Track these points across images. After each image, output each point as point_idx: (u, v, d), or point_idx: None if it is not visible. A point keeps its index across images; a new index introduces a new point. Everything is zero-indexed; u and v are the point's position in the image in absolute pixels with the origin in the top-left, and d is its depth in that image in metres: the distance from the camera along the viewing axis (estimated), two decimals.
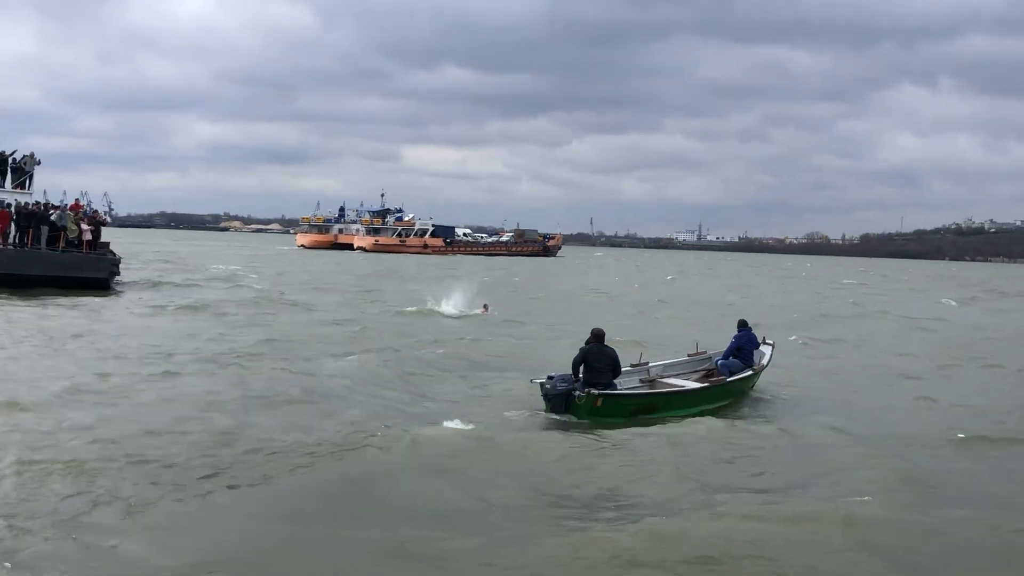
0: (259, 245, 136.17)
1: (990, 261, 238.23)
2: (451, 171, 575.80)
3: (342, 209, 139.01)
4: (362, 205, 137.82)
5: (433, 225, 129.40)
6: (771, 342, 17.63)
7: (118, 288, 34.73)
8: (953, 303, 49.36)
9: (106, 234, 38.09)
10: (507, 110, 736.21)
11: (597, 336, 14.16)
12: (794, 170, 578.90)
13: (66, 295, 29.23)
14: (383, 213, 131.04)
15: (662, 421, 13.42)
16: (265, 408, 13.46)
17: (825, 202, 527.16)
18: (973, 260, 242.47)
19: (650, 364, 15.84)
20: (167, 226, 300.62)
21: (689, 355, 16.99)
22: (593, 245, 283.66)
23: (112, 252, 36.22)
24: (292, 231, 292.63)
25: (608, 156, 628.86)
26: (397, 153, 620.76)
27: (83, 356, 17.67)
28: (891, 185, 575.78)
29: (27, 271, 30.95)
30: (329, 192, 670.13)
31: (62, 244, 32.58)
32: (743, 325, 16.69)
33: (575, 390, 13.52)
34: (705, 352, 17.03)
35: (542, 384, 13.90)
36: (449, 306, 31.75)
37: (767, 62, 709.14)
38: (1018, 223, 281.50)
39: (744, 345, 16.34)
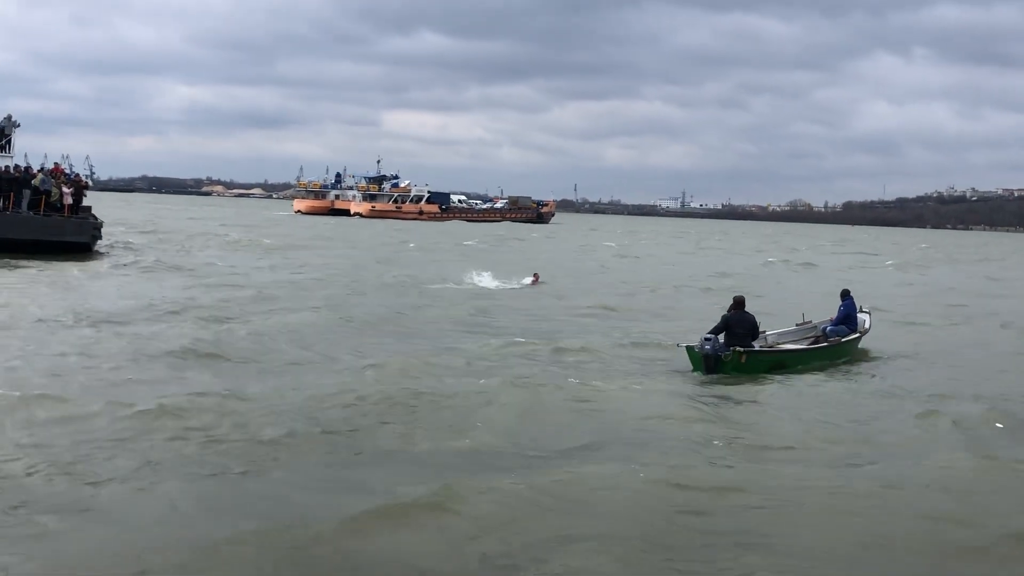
0: (252, 211, 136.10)
1: (971, 229, 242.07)
2: (432, 136, 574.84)
3: (339, 175, 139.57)
4: (345, 170, 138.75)
5: (429, 192, 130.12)
6: (868, 310, 19.41)
7: (100, 252, 34.71)
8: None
9: (88, 198, 37.89)
10: (486, 76, 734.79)
11: (738, 303, 15.76)
12: (773, 138, 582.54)
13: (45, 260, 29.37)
14: (379, 179, 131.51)
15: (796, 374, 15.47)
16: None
17: (806, 170, 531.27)
18: (955, 228, 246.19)
19: (767, 332, 17.27)
20: (149, 190, 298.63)
21: (797, 324, 18.64)
22: (578, 212, 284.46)
23: (94, 216, 36.00)
24: (275, 195, 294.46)
25: (589, 122, 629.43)
26: (377, 118, 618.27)
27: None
28: (870, 153, 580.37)
29: (9, 235, 30.89)
30: (311, 157, 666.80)
31: (43, 208, 32.33)
32: (847, 295, 18.38)
33: (721, 351, 15.08)
34: (810, 322, 18.71)
35: (689, 347, 15.41)
36: (488, 279, 31.55)
37: (740, 30, 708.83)
38: (999, 191, 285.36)
39: (851, 312, 18.15)
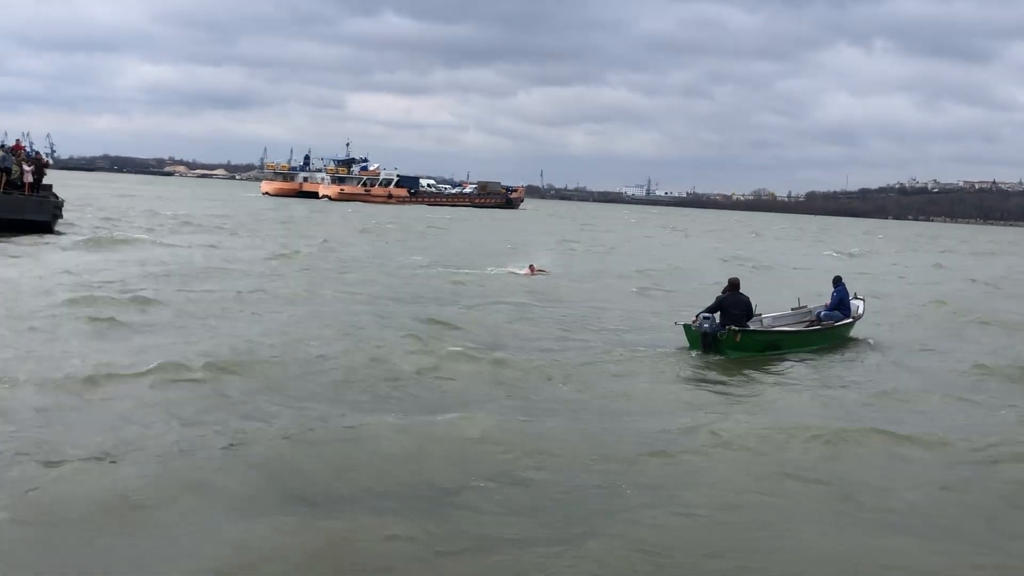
0: (219, 191, 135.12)
1: (932, 221, 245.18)
2: (397, 120, 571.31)
3: (307, 157, 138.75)
4: (311, 152, 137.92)
5: (398, 175, 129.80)
6: (862, 297, 19.92)
7: (61, 231, 34.35)
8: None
9: (49, 176, 36.82)
10: (451, 59, 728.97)
11: (733, 285, 16.17)
12: (736, 127, 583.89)
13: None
14: (348, 162, 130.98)
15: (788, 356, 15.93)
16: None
17: (768, 160, 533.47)
18: (916, 220, 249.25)
19: (763, 315, 17.70)
20: (111, 169, 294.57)
21: (792, 308, 19.19)
22: (543, 198, 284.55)
23: (55, 195, 35.55)
24: (238, 176, 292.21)
25: (555, 108, 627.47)
26: (342, 100, 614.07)
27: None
28: (832, 143, 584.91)
29: None
30: (274, 139, 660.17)
31: (3, 186, 31.84)
32: (839, 281, 18.92)
33: (717, 329, 15.47)
34: (805, 307, 19.30)
35: (687, 326, 15.77)
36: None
37: (704, 18, 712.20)
38: (960, 183, 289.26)
39: (844, 298, 18.66)
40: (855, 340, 18.39)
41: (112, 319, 15.79)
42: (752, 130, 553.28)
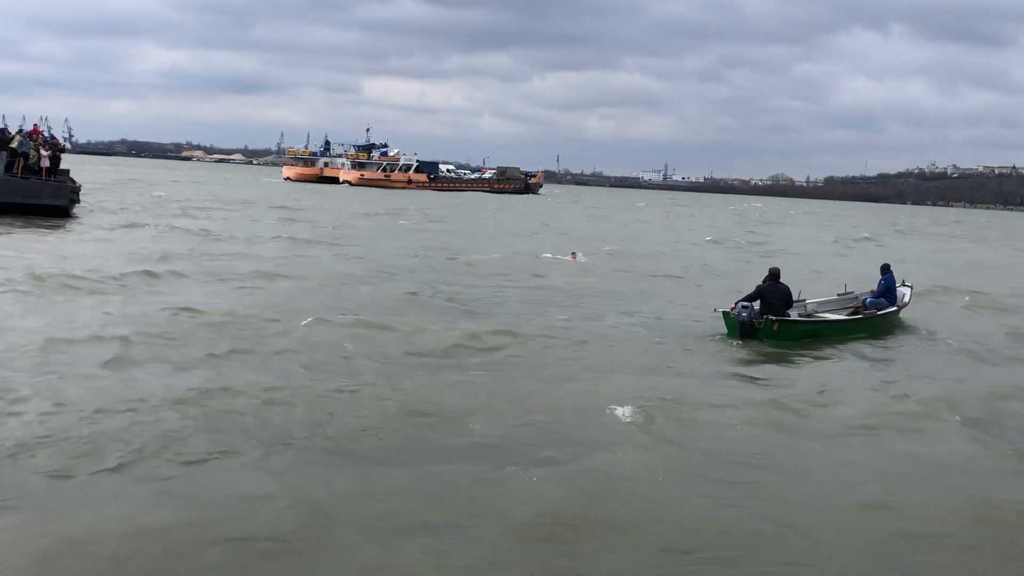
0: (241, 177, 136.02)
1: (951, 206, 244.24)
2: (412, 104, 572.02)
3: (327, 143, 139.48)
4: (327, 137, 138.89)
5: (418, 161, 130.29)
6: (910, 284, 20.01)
7: (78, 216, 34.49)
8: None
9: (67, 162, 37.13)
10: (466, 44, 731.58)
11: (773, 275, 16.58)
12: (753, 112, 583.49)
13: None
14: (368, 148, 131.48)
15: (827, 345, 16.04)
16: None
17: (785, 145, 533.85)
18: (935, 205, 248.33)
19: (807, 301, 18.01)
20: (128, 154, 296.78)
21: (839, 294, 19.28)
22: (559, 183, 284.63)
23: (72, 180, 35.54)
24: (255, 161, 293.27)
25: (570, 93, 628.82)
26: (357, 85, 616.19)
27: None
28: (849, 128, 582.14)
29: None
30: (290, 123, 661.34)
31: (20, 170, 31.86)
32: (887, 269, 18.90)
33: (755, 318, 15.90)
34: (852, 292, 19.31)
35: (725, 313, 16.27)
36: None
37: (717, 2, 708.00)
38: (980, 168, 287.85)
39: (891, 286, 18.70)
40: (901, 328, 18.33)
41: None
42: (769, 114, 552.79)
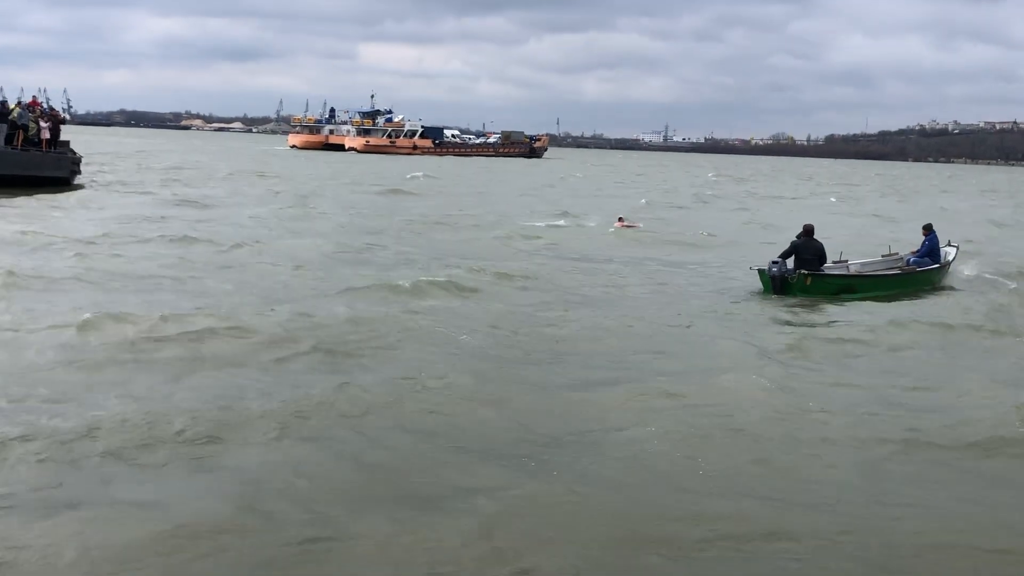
0: (247, 145, 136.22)
1: (952, 162, 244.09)
2: (409, 70, 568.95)
3: (332, 110, 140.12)
4: (329, 105, 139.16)
5: (422, 126, 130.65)
6: (956, 244, 20.41)
7: (80, 186, 34.65)
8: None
9: (67, 132, 36.99)
10: (461, 6, 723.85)
11: (807, 231, 17.55)
12: (751, 71, 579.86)
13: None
14: (373, 114, 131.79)
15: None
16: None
17: (785, 103, 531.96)
18: (936, 161, 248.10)
19: (849, 261, 18.73)
20: (127, 124, 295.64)
21: (883, 255, 19.87)
22: (560, 146, 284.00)
23: (72, 151, 35.54)
24: (255, 129, 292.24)
25: (566, 56, 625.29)
26: (353, 51, 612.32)
27: None
28: (849, 85, 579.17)
29: None
30: (288, 90, 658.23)
31: (20, 142, 31.66)
32: (929, 229, 19.34)
33: (788, 273, 16.91)
34: (897, 253, 19.84)
35: (761, 270, 17.35)
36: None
37: None
38: (981, 124, 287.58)
39: (935, 246, 19.05)
40: (943, 287, 18.50)
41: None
42: (767, 73, 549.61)
